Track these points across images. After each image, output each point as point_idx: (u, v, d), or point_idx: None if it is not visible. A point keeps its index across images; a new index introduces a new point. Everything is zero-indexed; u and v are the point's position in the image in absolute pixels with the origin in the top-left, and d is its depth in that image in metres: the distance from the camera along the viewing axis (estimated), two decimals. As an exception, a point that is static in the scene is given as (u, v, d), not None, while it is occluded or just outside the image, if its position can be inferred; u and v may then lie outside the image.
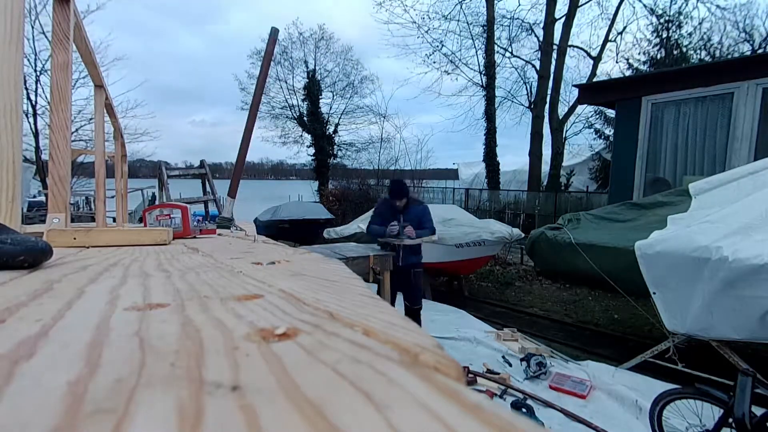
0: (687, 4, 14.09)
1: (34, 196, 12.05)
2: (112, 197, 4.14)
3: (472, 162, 19.79)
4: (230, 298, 0.42)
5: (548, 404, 3.13)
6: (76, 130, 12.78)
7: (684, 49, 14.44)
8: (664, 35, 14.71)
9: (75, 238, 0.99)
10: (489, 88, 15.30)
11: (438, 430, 0.16)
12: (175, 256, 0.87)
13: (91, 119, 10.79)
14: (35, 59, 12.81)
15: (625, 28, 15.33)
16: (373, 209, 4.72)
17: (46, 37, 12.08)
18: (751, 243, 3.04)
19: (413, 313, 4.07)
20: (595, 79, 13.91)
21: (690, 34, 14.49)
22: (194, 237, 1.58)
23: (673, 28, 14.56)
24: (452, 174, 22.45)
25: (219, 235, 1.80)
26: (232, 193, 3.35)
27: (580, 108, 14.67)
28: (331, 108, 20.84)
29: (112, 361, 0.24)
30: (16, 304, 0.38)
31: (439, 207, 8.94)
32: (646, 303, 3.72)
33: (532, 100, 15.09)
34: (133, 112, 15.27)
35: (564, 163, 15.18)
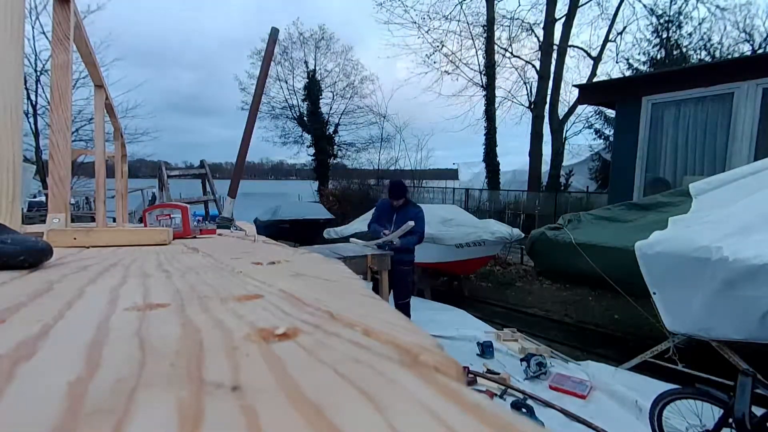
0: (687, 5, 14.12)
1: (34, 196, 12.03)
2: (112, 197, 4.14)
3: (472, 162, 19.79)
4: (230, 298, 0.42)
5: (548, 404, 3.13)
6: (76, 130, 12.78)
7: (684, 49, 14.45)
8: (664, 35, 14.72)
9: (75, 238, 0.99)
10: (489, 88, 15.30)
11: (438, 430, 0.16)
12: (175, 256, 0.87)
13: (91, 119, 10.80)
14: (35, 59, 12.83)
15: (625, 28, 15.35)
16: (374, 208, 4.87)
17: (46, 37, 12.11)
18: (752, 243, 3.04)
19: (399, 308, 4.12)
20: (595, 79, 13.91)
21: (690, 34, 14.52)
22: (194, 237, 1.58)
23: (673, 28, 14.58)
24: (452, 174, 22.44)
25: (219, 235, 1.80)
26: (232, 193, 3.35)
27: (580, 108, 14.68)
28: (331, 108, 20.86)
29: (112, 361, 0.24)
30: (16, 304, 0.38)
31: (439, 207, 8.93)
32: (646, 303, 3.72)
33: (532, 100, 15.08)
34: (133, 112, 15.30)
35: (564, 163, 15.18)
